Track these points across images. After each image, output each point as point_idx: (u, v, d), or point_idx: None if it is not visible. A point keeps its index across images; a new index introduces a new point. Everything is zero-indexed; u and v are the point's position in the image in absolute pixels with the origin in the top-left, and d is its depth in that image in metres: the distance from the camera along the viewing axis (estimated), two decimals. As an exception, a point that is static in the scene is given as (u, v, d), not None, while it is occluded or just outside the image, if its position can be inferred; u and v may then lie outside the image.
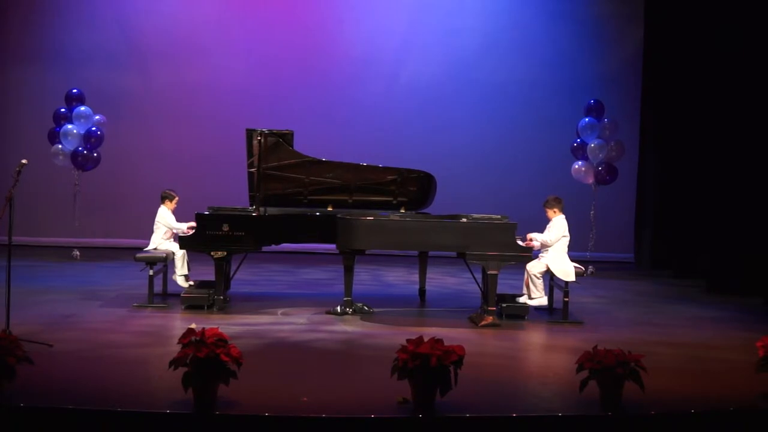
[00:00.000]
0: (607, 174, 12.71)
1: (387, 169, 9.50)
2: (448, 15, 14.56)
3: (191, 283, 9.56)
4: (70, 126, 12.74)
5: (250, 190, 9.36)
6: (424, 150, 13.89)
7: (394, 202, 9.61)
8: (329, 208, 9.48)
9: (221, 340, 5.46)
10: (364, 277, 11.56)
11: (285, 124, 9.90)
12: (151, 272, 8.91)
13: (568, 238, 9.02)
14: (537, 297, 8.99)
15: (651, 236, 13.61)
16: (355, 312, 8.82)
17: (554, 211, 9.09)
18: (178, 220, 9.62)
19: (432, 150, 13.97)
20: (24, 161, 7.15)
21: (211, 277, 9.05)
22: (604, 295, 10.75)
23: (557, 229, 8.96)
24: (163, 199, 9.66)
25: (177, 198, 9.71)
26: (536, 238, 8.94)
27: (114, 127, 13.41)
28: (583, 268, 9.30)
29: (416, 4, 14.64)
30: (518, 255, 8.51)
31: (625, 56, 14.37)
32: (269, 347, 7.33)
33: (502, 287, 9.05)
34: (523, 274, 9.12)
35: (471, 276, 9.20)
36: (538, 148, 14.29)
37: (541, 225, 9.22)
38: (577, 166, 12.92)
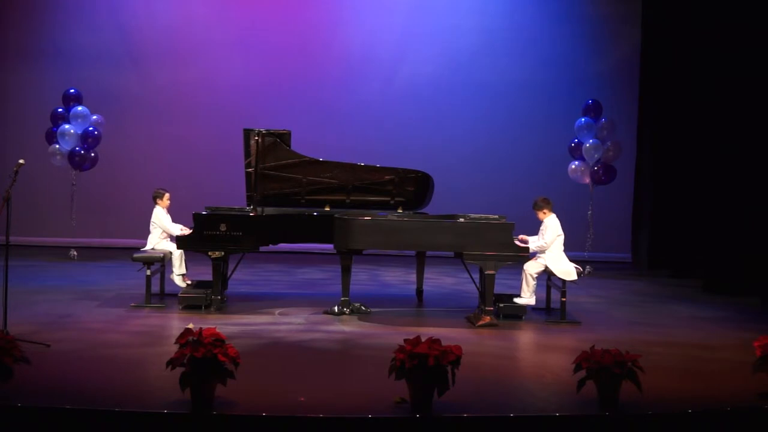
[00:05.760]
0: (603, 174, 12.72)
1: (384, 169, 9.51)
2: (445, 14, 14.57)
3: (188, 282, 9.55)
4: (67, 126, 12.73)
5: (248, 190, 9.36)
6: (422, 149, 13.91)
7: (392, 202, 9.62)
8: (327, 208, 9.48)
9: (218, 340, 5.46)
10: (362, 277, 11.56)
11: (282, 124, 9.90)
12: (148, 272, 8.90)
13: (563, 237, 9.00)
14: (525, 297, 8.94)
15: (648, 236, 13.62)
16: (352, 312, 8.82)
17: (544, 212, 9.06)
18: (176, 220, 9.59)
19: (429, 149, 13.99)
20: (21, 161, 7.15)
21: (209, 277, 9.05)
22: (601, 295, 10.76)
23: (552, 230, 8.94)
24: (155, 198, 9.63)
25: (168, 195, 9.64)
26: (531, 247, 8.88)
27: (111, 127, 13.40)
28: (581, 268, 9.31)
29: (414, 3, 14.64)
30: (516, 255, 8.52)
31: (623, 56, 14.38)
32: (267, 347, 7.32)
33: (500, 287, 9.05)
34: (521, 274, 9.11)
35: (468, 276, 9.20)
36: (536, 148, 14.30)
37: (537, 224, 9.21)
38: (573, 166, 12.93)
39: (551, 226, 8.96)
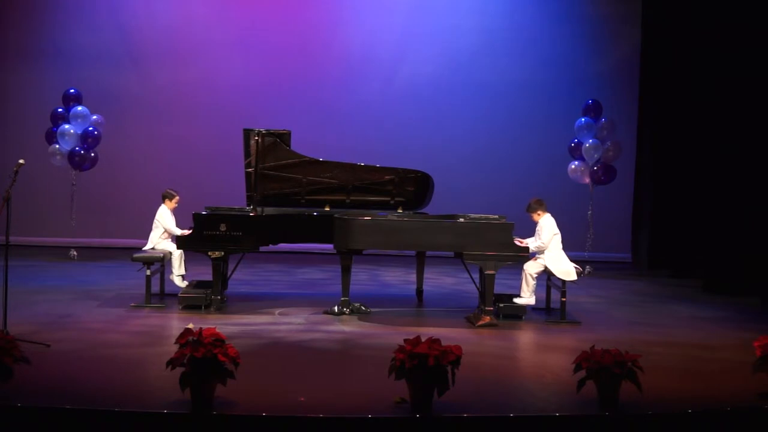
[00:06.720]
0: (603, 174, 12.71)
1: (384, 169, 9.51)
2: (445, 14, 14.57)
3: (188, 282, 9.54)
4: (67, 126, 12.73)
5: (248, 190, 9.37)
6: (422, 149, 13.91)
7: (392, 202, 9.62)
8: (326, 208, 9.48)
9: (218, 340, 5.46)
10: (362, 277, 11.56)
11: (282, 124, 9.91)
12: (148, 272, 8.90)
13: (559, 235, 9.01)
14: (525, 297, 8.95)
15: (648, 236, 13.62)
16: (352, 312, 8.82)
17: (538, 214, 9.08)
18: (177, 219, 9.60)
19: (429, 149, 13.99)
20: (21, 161, 7.16)
21: (209, 277, 9.05)
22: (601, 295, 10.76)
23: (547, 230, 8.95)
24: (164, 198, 9.66)
25: (178, 197, 9.69)
26: (530, 247, 8.86)
27: (111, 127, 13.40)
28: (581, 268, 9.31)
29: (414, 3, 14.64)
30: (516, 255, 8.52)
31: (623, 56, 14.38)
32: (266, 347, 7.33)
33: (500, 287, 9.05)
34: (521, 274, 9.10)
35: (468, 276, 9.21)
36: (536, 148, 14.30)
37: (536, 224, 9.21)
38: (573, 166, 12.93)
39: (546, 226, 8.97)
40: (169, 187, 9.94)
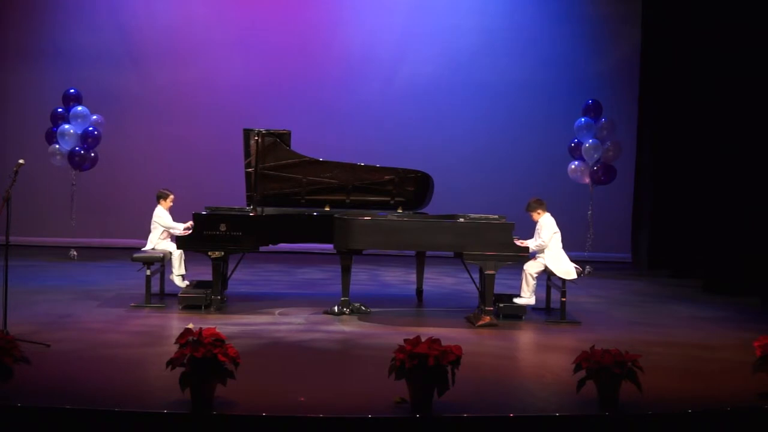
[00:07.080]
0: (603, 174, 12.71)
1: (384, 169, 9.51)
2: (445, 14, 14.58)
3: (188, 282, 9.54)
4: (67, 126, 12.73)
5: (248, 190, 9.37)
6: (422, 149, 13.92)
7: (392, 202, 9.62)
8: (326, 208, 9.49)
9: (218, 340, 5.46)
10: (362, 277, 11.56)
11: (282, 124, 9.91)
12: (148, 272, 8.90)
13: (559, 234, 9.01)
14: (525, 297, 8.95)
15: (648, 236, 13.63)
16: (352, 312, 8.82)
17: (538, 213, 9.08)
18: (176, 219, 9.60)
19: (429, 149, 14.00)
20: (21, 161, 7.16)
21: (209, 277, 9.04)
22: (601, 295, 10.76)
23: (547, 228, 8.94)
24: (158, 198, 9.66)
25: (172, 196, 9.69)
26: (531, 247, 8.86)
27: (111, 127, 13.41)
28: (581, 268, 9.31)
29: (414, 3, 14.65)
30: (516, 255, 8.52)
31: (623, 56, 14.38)
32: (266, 347, 7.32)
33: (500, 287, 9.05)
34: (521, 274, 9.10)
35: (468, 276, 9.21)
36: (536, 148, 14.31)
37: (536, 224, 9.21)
38: (573, 166, 12.93)
39: (546, 225, 8.97)
40: (165, 187, 9.92)
